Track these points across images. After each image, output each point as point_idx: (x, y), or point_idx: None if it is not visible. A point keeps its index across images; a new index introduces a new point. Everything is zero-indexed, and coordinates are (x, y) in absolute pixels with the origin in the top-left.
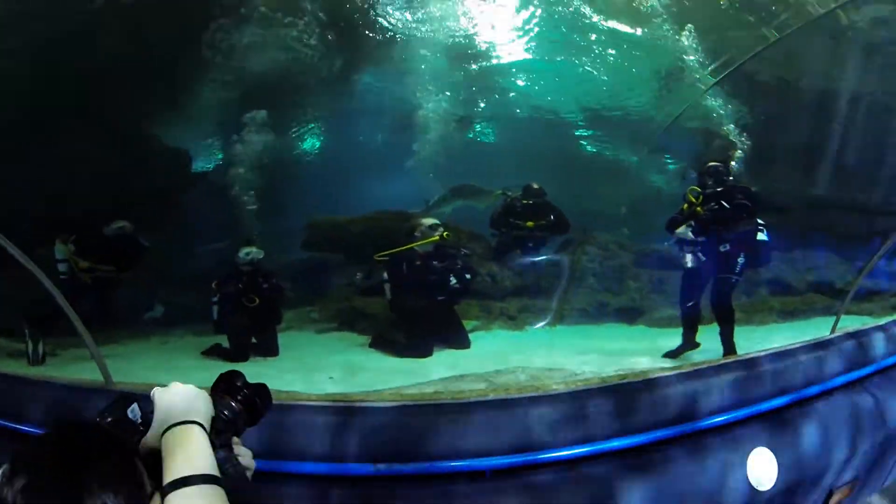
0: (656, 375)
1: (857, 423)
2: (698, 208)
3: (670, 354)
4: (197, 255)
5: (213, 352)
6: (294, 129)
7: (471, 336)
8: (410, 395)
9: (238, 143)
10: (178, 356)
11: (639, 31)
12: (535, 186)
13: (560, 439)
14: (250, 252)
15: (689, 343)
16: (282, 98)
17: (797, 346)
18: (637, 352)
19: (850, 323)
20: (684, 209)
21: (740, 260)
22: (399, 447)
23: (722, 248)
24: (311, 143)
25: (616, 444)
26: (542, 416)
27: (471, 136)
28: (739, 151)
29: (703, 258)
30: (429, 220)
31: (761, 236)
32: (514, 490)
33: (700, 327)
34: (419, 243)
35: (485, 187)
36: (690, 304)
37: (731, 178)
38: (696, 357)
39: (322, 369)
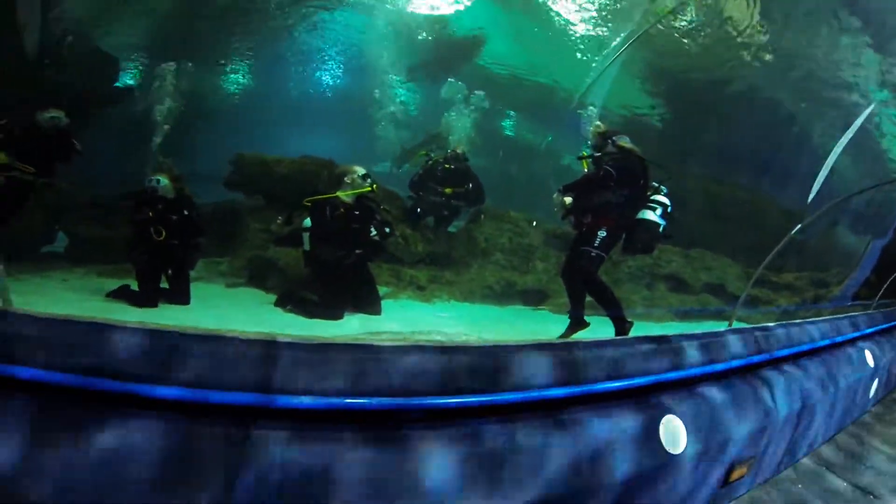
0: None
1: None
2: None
3: (562, 336)
4: (110, 181)
5: (120, 294)
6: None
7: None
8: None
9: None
10: (80, 297)
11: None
12: (459, 151)
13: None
14: (152, 179)
15: (576, 323)
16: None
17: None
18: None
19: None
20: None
21: (601, 233)
22: None
23: (584, 219)
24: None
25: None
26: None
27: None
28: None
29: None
30: (360, 170)
31: (649, 215)
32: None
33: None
34: (351, 192)
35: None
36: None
37: (620, 144)
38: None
39: (230, 325)
